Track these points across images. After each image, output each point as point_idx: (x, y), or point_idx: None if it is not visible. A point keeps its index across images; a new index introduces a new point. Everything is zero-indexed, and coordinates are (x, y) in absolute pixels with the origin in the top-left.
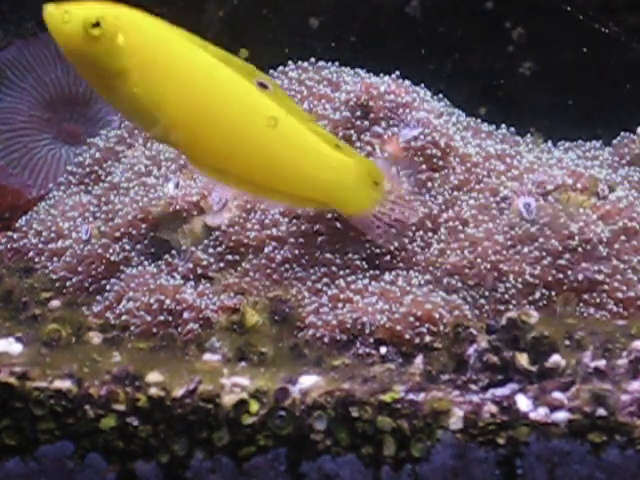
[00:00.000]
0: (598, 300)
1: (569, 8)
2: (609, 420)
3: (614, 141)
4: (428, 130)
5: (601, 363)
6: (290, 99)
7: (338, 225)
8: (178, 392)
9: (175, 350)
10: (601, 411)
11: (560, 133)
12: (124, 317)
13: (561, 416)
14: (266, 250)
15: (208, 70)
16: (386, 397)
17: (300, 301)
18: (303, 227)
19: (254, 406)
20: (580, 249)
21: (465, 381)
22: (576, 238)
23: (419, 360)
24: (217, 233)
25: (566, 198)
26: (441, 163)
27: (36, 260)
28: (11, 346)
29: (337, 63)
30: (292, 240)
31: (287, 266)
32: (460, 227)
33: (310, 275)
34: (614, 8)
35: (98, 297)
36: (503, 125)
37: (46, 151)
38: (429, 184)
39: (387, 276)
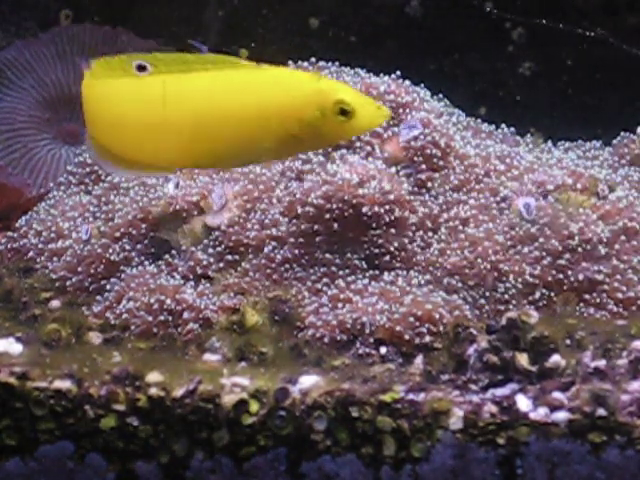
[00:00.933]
0: (598, 300)
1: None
2: (609, 420)
3: (614, 141)
4: (428, 130)
5: (601, 363)
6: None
7: (338, 225)
8: (178, 392)
9: (175, 350)
10: (601, 411)
11: (560, 133)
12: (124, 317)
13: (561, 416)
14: (266, 250)
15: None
16: (386, 397)
17: (300, 301)
18: (303, 227)
19: (254, 406)
20: (580, 249)
21: (465, 381)
22: (576, 238)
23: (419, 360)
24: (217, 233)
25: (566, 198)
26: (441, 163)
27: (36, 260)
28: (11, 346)
29: (337, 63)
30: (292, 240)
31: (287, 266)
32: (460, 227)
33: (310, 275)
34: (614, 8)
35: (98, 297)
36: (503, 125)
37: (46, 151)
38: (429, 184)
39: (387, 276)
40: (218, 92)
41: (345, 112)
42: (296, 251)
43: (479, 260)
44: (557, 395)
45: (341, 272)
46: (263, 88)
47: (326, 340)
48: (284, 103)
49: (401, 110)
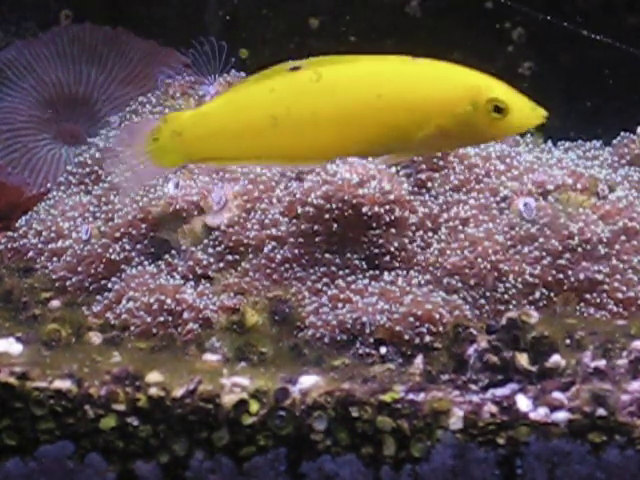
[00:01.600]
0: (598, 300)
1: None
2: (609, 420)
3: (614, 141)
4: None
5: (601, 363)
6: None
7: (337, 225)
8: (178, 392)
9: (175, 350)
10: (601, 411)
11: (560, 133)
12: (124, 317)
13: (561, 416)
14: (266, 250)
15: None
16: (386, 397)
17: (300, 301)
18: (303, 227)
19: (254, 406)
20: (580, 249)
21: (465, 381)
22: (576, 238)
23: (419, 360)
24: (217, 233)
25: (566, 198)
26: (441, 163)
27: (36, 260)
28: (11, 346)
29: None
30: (292, 240)
31: (287, 266)
32: (460, 227)
33: (310, 275)
34: (614, 8)
35: (98, 297)
36: None
37: (46, 151)
38: (429, 184)
39: (387, 276)
40: (370, 81)
41: (499, 110)
42: (296, 251)
43: (479, 260)
44: (557, 395)
45: (341, 272)
46: (416, 78)
47: (326, 340)
48: (436, 95)
49: None
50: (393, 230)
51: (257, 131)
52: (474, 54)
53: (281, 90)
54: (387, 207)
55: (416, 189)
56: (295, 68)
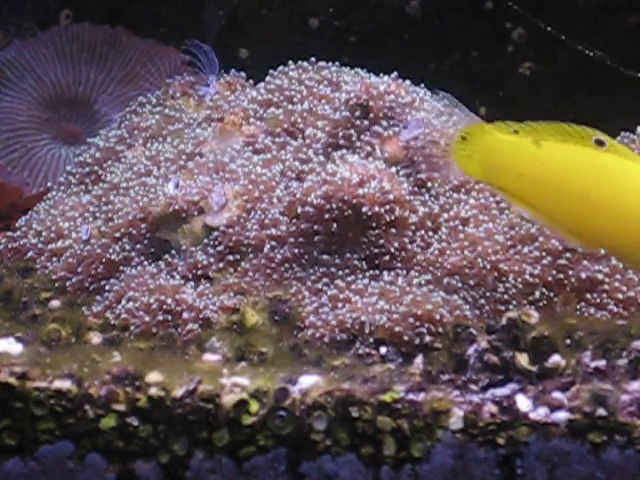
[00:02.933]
0: (598, 300)
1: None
2: (609, 420)
3: None
4: (428, 130)
5: (601, 363)
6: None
7: (337, 225)
8: (178, 392)
9: (175, 350)
10: (601, 411)
11: None
12: (124, 317)
13: (561, 416)
14: (266, 250)
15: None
16: (386, 397)
17: (300, 301)
18: (303, 227)
19: (254, 406)
20: (580, 249)
21: (465, 381)
22: None
23: (419, 360)
24: (217, 233)
25: None
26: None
27: (36, 260)
28: (11, 346)
29: (337, 63)
30: (292, 240)
31: (287, 266)
32: (460, 227)
33: (310, 275)
34: (614, 8)
35: (98, 297)
36: None
37: (46, 151)
38: (429, 184)
39: (387, 276)
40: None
41: None
42: (296, 251)
43: (479, 260)
44: (557, 395)
45: (341, 272)
46: None
47: (326, 340)
48: None
49: (401, 110)
50: (393, 230)
51: (542, 188)
52: (474, 54)
53: (577, 162)
54: (387, 207)
55: (416, 189)
56: (599, 142)
